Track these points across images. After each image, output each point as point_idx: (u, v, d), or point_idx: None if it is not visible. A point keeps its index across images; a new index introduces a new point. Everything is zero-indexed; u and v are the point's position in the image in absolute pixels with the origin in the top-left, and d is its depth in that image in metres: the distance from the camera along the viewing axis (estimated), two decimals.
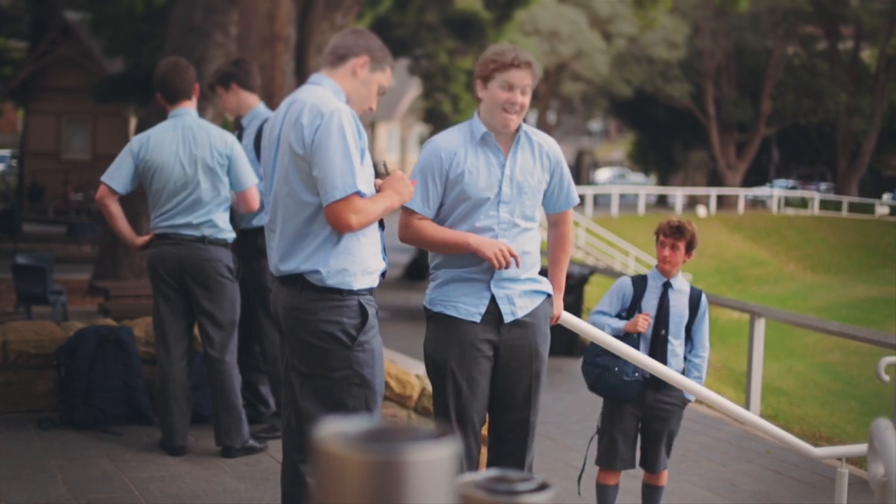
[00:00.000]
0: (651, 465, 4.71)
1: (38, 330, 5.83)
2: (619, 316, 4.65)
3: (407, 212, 3.67)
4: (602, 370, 4.53)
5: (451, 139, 3.71)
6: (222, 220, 5.12)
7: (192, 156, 5.02)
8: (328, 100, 3.26)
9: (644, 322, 4.53)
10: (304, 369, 3.39)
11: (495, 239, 3.63)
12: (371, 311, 3.35)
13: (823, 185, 46.27)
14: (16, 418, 5.58)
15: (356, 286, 3.29)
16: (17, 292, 9.52)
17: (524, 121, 3.76)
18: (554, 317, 3.92)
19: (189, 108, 5.14)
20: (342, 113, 3.21)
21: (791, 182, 46.38)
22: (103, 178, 5.06)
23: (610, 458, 4.66)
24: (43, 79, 27.06)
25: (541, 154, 3.76)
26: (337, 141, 3.16)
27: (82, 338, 5.58)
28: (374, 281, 3.37)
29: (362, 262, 3.31)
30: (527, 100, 3.67)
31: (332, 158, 3.15)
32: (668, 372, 4.42)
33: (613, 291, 4.69)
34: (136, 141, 5.10)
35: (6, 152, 37.08)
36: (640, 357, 4.36)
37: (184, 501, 4.46)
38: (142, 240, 5.20)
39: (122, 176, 5.05)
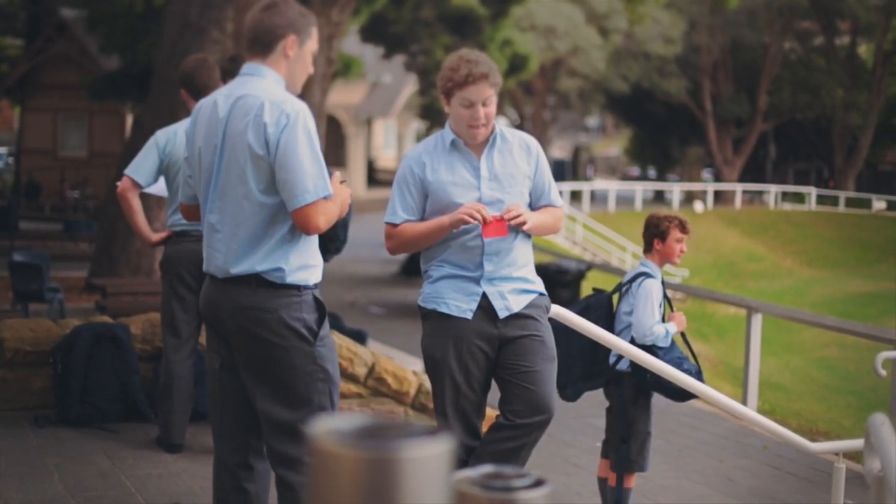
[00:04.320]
0: None
1: (35, 327, 5.82)
2: None
3: (389, 226, 3.73)
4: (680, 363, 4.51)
5: (421, 151, 3.77)
6: None
7: None
8: (282, 95, 3.21)
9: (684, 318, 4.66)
10: (260, 369, 3.30)
11: (479, 241, 3.64)
12: (323, 305, 3.33)
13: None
14: (12, 416, 5.57)
15: (311, 281, 3.28)
16: (14, 290, 9.52)
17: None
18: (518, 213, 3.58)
19: None
20: (306, 113, 3.17)
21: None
22: (127, 172, 4.96)
23: (647, 459, 4.61)
24: (39, 76, 27.06)
25: (520, 145, 3.77)
26: (305, 143, 3.12)
27: (79, 335, 5.57)
28: (320, 275, 3.37)
29: (314, 258, 3.31)
30: (491, 109, 3.65)
31: (302, 161, 3.11)
32: (666, 368, 4.40)
33: (653, 297, 4.52)
34: (161, 135, 5.02)
35: (3, 150, 37.05)
36: (632, 350, 4.34)
37: (181, 499, 4.45)
38: (157, 236, 5.14)
39: (147, 169, 4.97)
